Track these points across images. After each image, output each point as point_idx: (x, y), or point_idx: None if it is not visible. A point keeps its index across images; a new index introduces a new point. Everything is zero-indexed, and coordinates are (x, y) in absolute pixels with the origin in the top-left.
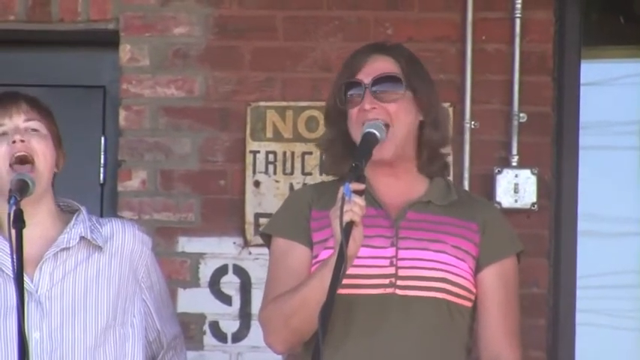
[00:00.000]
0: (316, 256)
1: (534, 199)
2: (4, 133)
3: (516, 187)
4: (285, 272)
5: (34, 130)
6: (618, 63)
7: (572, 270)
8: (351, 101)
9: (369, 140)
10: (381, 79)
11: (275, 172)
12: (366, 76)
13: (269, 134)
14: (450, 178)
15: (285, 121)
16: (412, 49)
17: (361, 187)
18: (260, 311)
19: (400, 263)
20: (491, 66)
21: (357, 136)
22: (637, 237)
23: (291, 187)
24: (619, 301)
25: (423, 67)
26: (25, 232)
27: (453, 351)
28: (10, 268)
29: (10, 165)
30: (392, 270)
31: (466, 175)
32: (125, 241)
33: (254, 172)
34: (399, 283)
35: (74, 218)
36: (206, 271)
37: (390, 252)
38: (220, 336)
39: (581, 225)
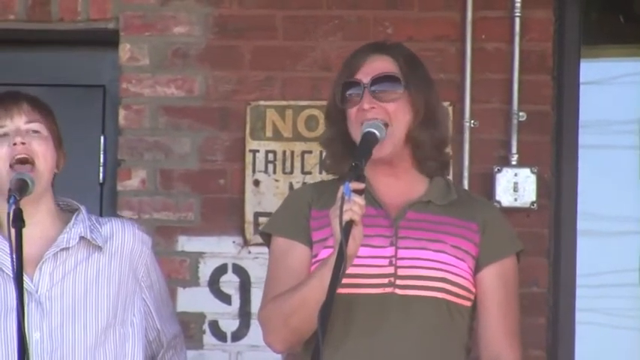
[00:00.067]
0: (316, 256)
1: (534, 198)
2: (5, 135)
3: (516, 186)
4: (285, 271)
5: (35, 131)
6: (618, 62)
7: (571, 269)
8: (350, 101)
9: (369, 140)
10: (379, 79)
11: (275, 172)
12: (364, 75)
13: (269, 133)
14: (450, 177)
15: (285, 121)
16: (412, 49)
17: (361, 186)
18: (259, 310)
19: (399, 263)
20: (490, 65)
21: (356, 136)
22: (636, 236)
23: (291, 186)
24: (619, 300)
25: (422, 66)
26: (24, 231)
27: (453, 351)
28: (10, 267)
29: (11, 165)
30: (391, 270)
31: (466, 174)
32: (125, 240)
33: (254, 171)
34: (398, 282)
35: (74, 218)
36: (205, 271)
37: (390, 251)
38: (220, 335)
39: (581, 224)
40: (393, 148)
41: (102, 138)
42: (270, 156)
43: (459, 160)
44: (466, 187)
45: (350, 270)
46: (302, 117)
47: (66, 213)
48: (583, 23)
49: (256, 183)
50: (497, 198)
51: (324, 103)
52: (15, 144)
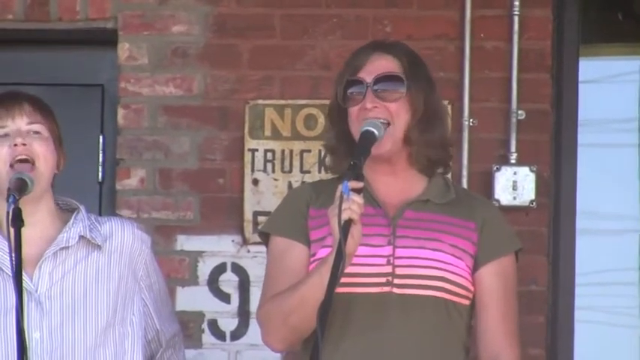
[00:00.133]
0: (314, 255)
1: (533, 197)
2: (6, 135)
3: (515, 185)
4: (283, 271)
5: (36, 132)
6: (617, 60)
7: (570, 267)
8: (352, 99)
9: (368, 138)
10: (382, 78)
11: (274, 171)
12: (367, 74)
13: (267, 132)
14: (449, 175)
15: (284, 120)
16: (411, 47)
17: (359, 185)
18: (258, 310)
19: (397, 262)
20: (489, 64)
21: (357, 134)
22: (636, 234)
23: (290, 185)
24: (618, 298)
25: (424, 66)
26: (24, 231)
27: (451, 349)
28: (10, 267)
29: (11, 165)
30: (389, 269)
31: (465, 172)
32: (124, 239)
33: (252, 170)
34: (396, 281)
35: (73, 217)
36: (205, 270)
37: (387, 250)
38: (219, 334)
39: (580, 222)
40: (392, 146)
41: (101, 137)
42: (269, 155)
43: (458, 158)
44: (465, 185)
45: (348, 269)
46: (301, 116)
47: (65, 212)
48: (582, 22)
49: (255, 182)
50: (497, 197)
51: (323, 102)
52: (16, 145)
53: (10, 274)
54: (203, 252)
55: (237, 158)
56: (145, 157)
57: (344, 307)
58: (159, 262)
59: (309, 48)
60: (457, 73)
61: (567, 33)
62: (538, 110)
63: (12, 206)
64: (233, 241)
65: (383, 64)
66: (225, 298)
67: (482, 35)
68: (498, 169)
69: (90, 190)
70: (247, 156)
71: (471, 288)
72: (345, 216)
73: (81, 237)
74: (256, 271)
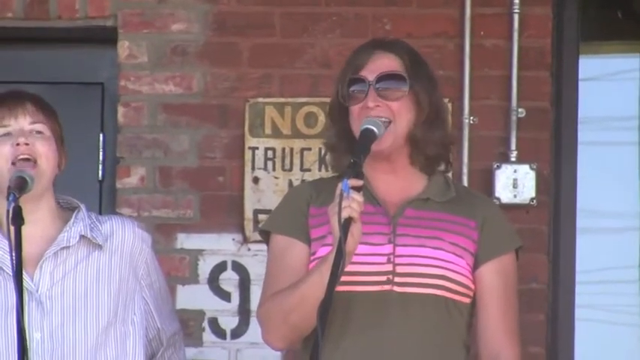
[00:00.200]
0: (314, 253)
1: (533, 195)
2: (8, 134)
3: (515, 183)
4: (284, 269)
5: (39, 132)
6: (617, 58)
7: (571, 265)
8: (354, 98)
9: (367, 136)
10: (385, 77)
11: (274, 169)
12: (369, 73)
13: (268, 130)
14: (449, 174)
15: (284, 118)
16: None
17: (359, 183)
18: (258, 308)
19: (398, 260)
20: (489, 62)
21: (358, 133)
22: (636, 232)
23: (290, 183)
24: (618, 296)
25: (426, 64)
26: (24, 230)
27: (452, 348)
28: (10, 266)
29: (13, 163)
30: (389, 267)
31: (465, 170)
32: (125, 238)
33: (253, 168)
34: (396, 280)
35: (74, 216)
36: (205, 268)
37: (388, 249)
38: (219, 332)
39: (580, 220)
40: (392, 143)
41: (101, 136)
42: (270, 153)
43: (458, 156)
44: (465, 183)
45: (348, 268)
46: (301, 114)
47: (66, 211)
48: (582, 19)
49: (255, 180)
50: (497, 194)
51: (323, 99)
52: (18, 144)
53: (11, 274)
54: (203, 250)
55: (237, 156)
56: (144, 155)
57: (344, 306)
58: (159, 260)
59: (308, 46)
60: (457, 71)
61: (567, 31)
62: (538, 108)
63: (12, 204)
64: (233, 239)
65: (385, 62)
66: (225, 296)
67: (482, 33)
68: (499, 167)
69: (90, 189)
70: (247, 154)
71: (472, 286)
72: (345, 214)
73: (82, 236)
74: (257, 269)
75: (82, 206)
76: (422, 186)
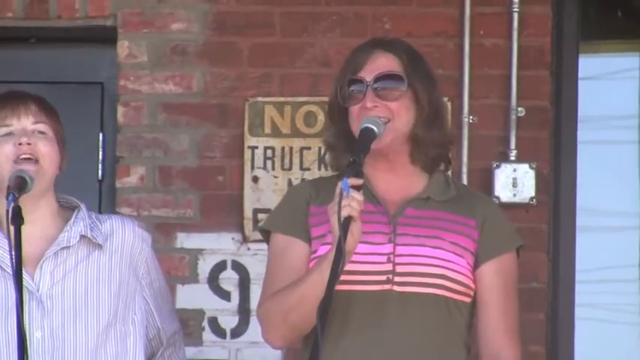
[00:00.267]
0: (315, 252)
1: (533, 194)
2: (11, 134)
3: (515, 182)
4: (284, 268)
5: (41, 132)
6: (616, 57)
7: (571, 264)
8: (353, 98)
9: (367, 135)
10: (383, 77)
11: (273, 168)
12: (368, 73)
13: (267, 130)
14: (449, 172)
15: (284, 117)
16: (411, 45)
17: (359, 182)
18: (258, 307)
19: (398, 259)
20: (489, 61)
21: (357, 133)
22: (636, 231)
23: (290, 182)
24: (618, 295)
25: (425, 63)
26: (25, 230)
27: (452, 347)
28: (10, 265)
29: (15, 161)
30: (389, 266)
31: (464, 169)
32: (125, 238)
33: (252, 167)
34: (396, 279)
35: (74, 216)
36: (205, 267)
37: (388, 248)
38: (219, 332)
39: (580, 219)
40: (391, 141)
41: (100, 135)
42: (269, 152)
43: (457, 156)
44: (465, 182)
45: (348, 267)
46: (300, 113)
47: (66, 210)
48: (581, 18)
49: (255, 179)
50: (496, 194)
51: (323, 99)
52: (21, 144)
53: (11, 273)
54: (203, 250)
55: (236, 156)
56: (144, 154)
57: (344, 305)
58: (159, 259)
59: (308, 45)
60: (457, 70)
61: (567, 30)
62: (538, 107)
63: (12, 204)
64: (233, 238)
65: (384, 62)
66: (225, 295)
67: (481, 32)
68: (498, 166)
69: (90, 188)
70: (247, 153)
71: (472, 285)
72: (344, 213)
73: (82, 236)
74: (256, 268)
75: (83, 206)
76: (422, 185)
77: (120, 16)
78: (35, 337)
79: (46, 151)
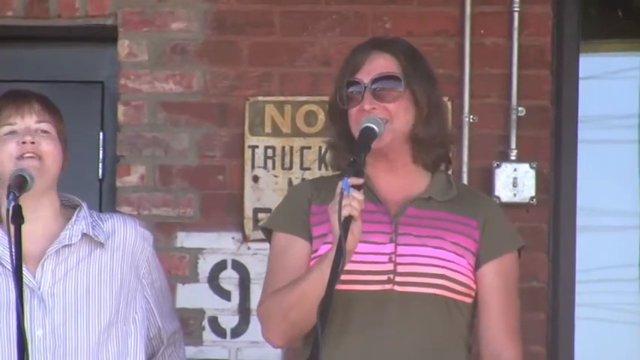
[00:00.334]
0: (316, 251)
1: (533, 193)
2: (14, 132)
3: (515, 181)
4: (284, 267)
5: (44, 131)
6: (617, 56)
7: (571, 264)
8: (352, 100)
9: (368, 134)
10: (380, 79)
11: (274, 167)
12: (365, 75)
13: (267, 129)
14: (450, 172)
15: (284, 116)
16: (411, 43)
17: (359, 181)
18: (258, 305)
19: (399, 259)
20: (489, 60)
21: (357, 135)
22: (636, 231)
23: (290, 182)
24: (618, 295)
25: (423, 61)
26: (26, 227)
27: (452, 347)
28: (10, 262)
29: (18, 159)
30: (390, 266)
31: (465, 169)
32: (127, 237)
33: (253, 167)
34: (397, 279)
35: (75, 214)
36: (205, 267)
37: (389, 248)
38: (219, 331)
39: (580, 219)
40: (390, 141)
41: (101, 134)
42: (269, 152)
43: (458, 155)
44: (465, 182)
45: (349, 266)
46: (301, 112)
47: (67, 209)
48: (582, 18)
49: (255, 179)
50: (497, 193)
51: (323, 98)
52: (24, 142)
53: (11, 270)
54: (203, 249)
55: (237, 155)
56: (144, 153)
57: (344, 304)
58: (159, 259)
59: (308, 45)
60: (457, 69)
61: (567, 29)
62: (538, 106)
63: (12, 203)
64: (233, 238)
65: (381, 63)
66: (225, 295)
67: (482, 31)
68: (498, 166)
69: (90, 187)
70: (247, 153)
71: (473, 286)
72: (345, 212)
73: (84, 235)
74: (257, 268)
75: (84, 204)
76: (424, 184)
77: (120, 15)
78: (37, 335)
79: (50, 149)
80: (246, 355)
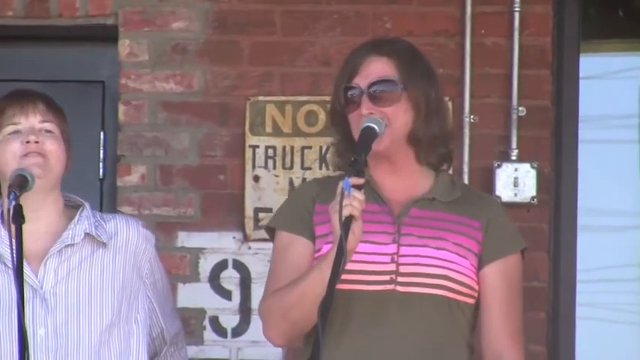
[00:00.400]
0: (319, 250)
1: (534, 193)
2: (18, 132)
3: (516, 181)
4: (286, 265)
5: (48, 131)
6: (617, 56)
7: (572, 264)
8: (350, 105)
9: (368, 134)
10: (376, 83)
11: (274, 167)
12: (362, 79)
13: (268, 129)
14: (450, 171)
15: (285, 116)
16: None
17: (360, 181)
18: (260, 304)
19: (401, 260)
20: (490, 60)
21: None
22: (636, 230)
23: (291, 181)
24: (619, 294)
25: (422, 61)
26: (29, 226)
27: (453, 347)
28: (11, 260)
29: (21, 158)
30: (393, 267)
31: (466, 169)
32: (129, 237)
33: (253, 166)
34: (399, 279)
35: (78, 214)
36: (206, 266)
37: (392, 248)
38: (220, 331)
39: (581, 219)
40: (390, 143)
41: (101, 134)
42: (270, 151)
43: (458, 155)
44: (466, 182)
45: (351, 266)
46: (301, 112)
47: (70, 209)
48: (582, 18)
49: (256, 179)
50: (498, 193)
51: (324, 98)
52: (28, 142)
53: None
54: (204, 249)
55: (237, 155)
56: (145, 153)
57: (345, 304)
58: (160, 258)
59: (309, 44)
60: (458, 69)
61: (568, 29)
62: (539, 106)
63: (12, 203)
64: (234, 237)
65: (379, 67)
66: (226, 294)
67: (482, 31)
68: (499, 166)
69: (91, 187)
70: (248, 152)
71: (476, 287)
72: (345, 212)
73: (86, 234)
74: (257, 267)
75: (87, 204)
76: (428, 185)
77: (121, 15)
78: (39, 334)
79: (53, 149)
80: (246, 354)
